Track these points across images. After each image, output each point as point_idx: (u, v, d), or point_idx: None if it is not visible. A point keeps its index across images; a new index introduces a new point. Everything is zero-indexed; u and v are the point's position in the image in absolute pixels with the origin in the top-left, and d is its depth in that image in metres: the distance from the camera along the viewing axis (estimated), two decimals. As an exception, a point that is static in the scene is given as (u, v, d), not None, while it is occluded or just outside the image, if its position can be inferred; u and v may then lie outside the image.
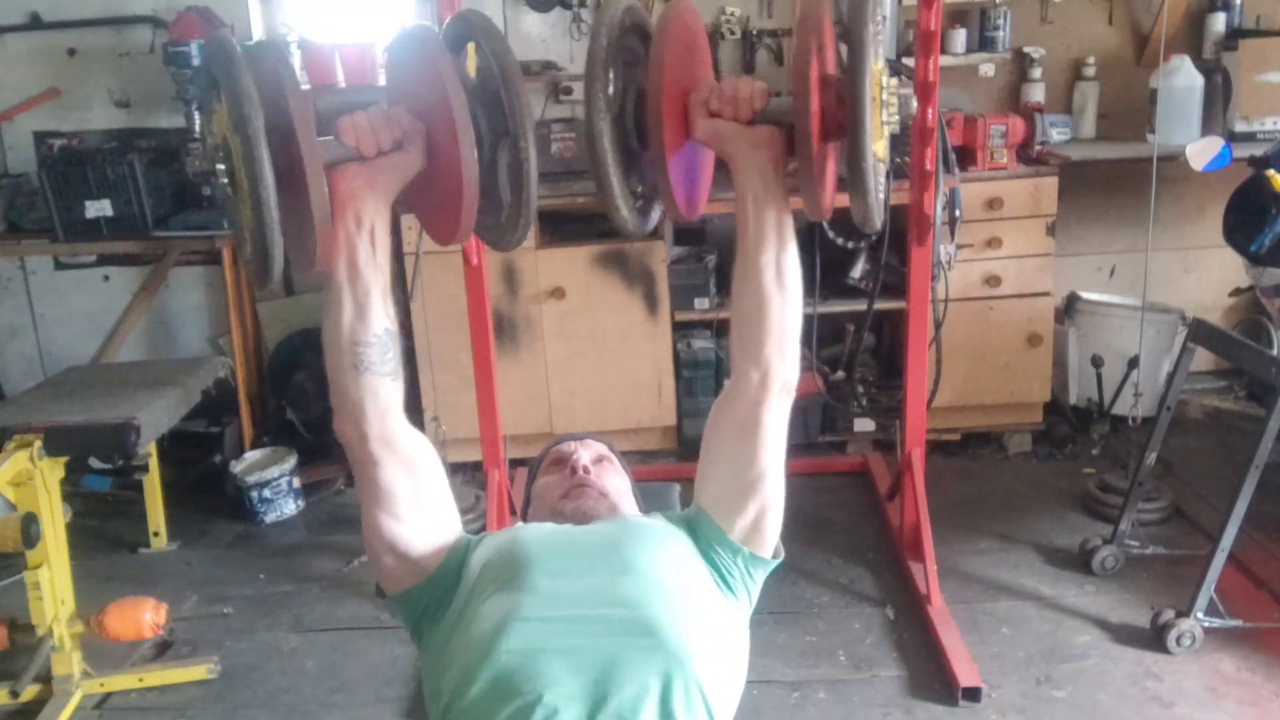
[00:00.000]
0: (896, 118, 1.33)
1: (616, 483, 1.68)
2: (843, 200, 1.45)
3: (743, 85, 1.36)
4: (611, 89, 1.35)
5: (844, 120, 1.29)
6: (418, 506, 1.39)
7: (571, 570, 1.38)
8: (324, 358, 1.33)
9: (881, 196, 1.35)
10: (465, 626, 1.35)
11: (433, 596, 1.43)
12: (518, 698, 1.23)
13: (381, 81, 3.97)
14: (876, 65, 1.28)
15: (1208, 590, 2.62)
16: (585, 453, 1.69)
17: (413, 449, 1.38)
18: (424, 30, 1.31)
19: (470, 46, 1.44)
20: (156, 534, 3.51)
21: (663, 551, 1.42)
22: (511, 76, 1.30)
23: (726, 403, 1.44)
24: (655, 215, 1.49)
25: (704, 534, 1.46)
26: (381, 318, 1.30)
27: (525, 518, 1.73)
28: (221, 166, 1.23)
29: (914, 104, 1.30)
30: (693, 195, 1.45)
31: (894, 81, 1.31)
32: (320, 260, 1.27)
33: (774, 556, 1.48)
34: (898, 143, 3.36)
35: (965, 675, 2.56)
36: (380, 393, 1.31)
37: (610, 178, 1.34)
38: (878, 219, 1.34)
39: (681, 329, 3.81)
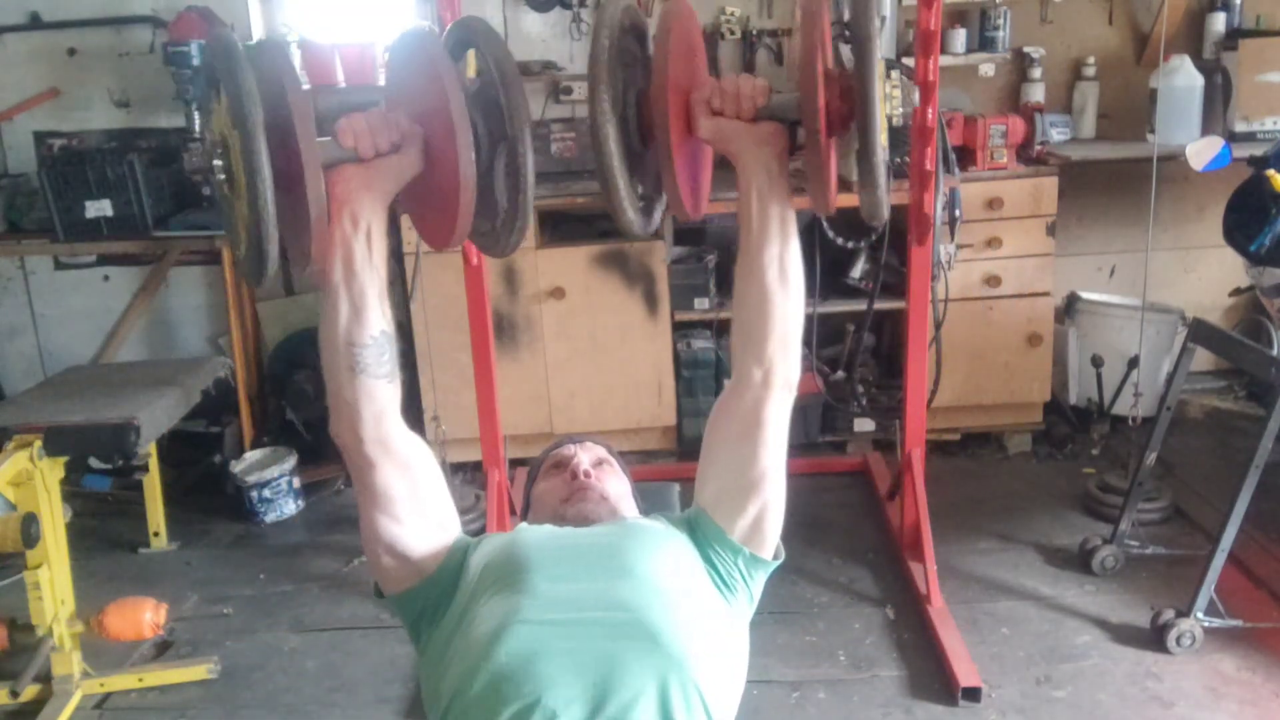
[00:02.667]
0: (900, 110, 1.33)
1: (617, 486, 1.68)
2: (844, 200, 1.44)
3: (744, 82, 1.36)
4: (615, 90, 1.35)
5: (849, 114, 1.29)
6: (415, 508, 1.39)
7: (571, 574, 1.38)
8: (320, 358, 1.32)
9: (888, 188, 1.35)
10: (465, 629, 1.35)
11: (431, 597, 1.43)
12: (517, 700, 1.23)
13: (381, 81, 3.98)
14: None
15: (1208, 590, 2.62)
16: (585, 456, 1.69)
17: (409, 451, 1.37)
18: (424, 33, 1.31)
19: (470, 52, 1.44)
20: (156, 534, 3.51)
21: (662, 554, 1.42)
22: (511, 81, 1.30)
23: (728, 401, 1.43)
24: (659, 215, 1.49)
25: (704, 534, 1.46)
26: (378, 319, 1.30)
27: (525, 520, 1.73)
28: (219, 163, 1.24)
29: (916, 96, 1.32)
30: (696, 193, 1.45)
31: (895, 74, 1.31)
32: (316, 259, 1.27)
33: (774, 558, 1.48)
34: (898, 141, 3.37)
35: (965, 675, 2.56)
36: (376, 395, 1.31)
37: (616, 179, 1.34)
38: (885, 210, 1.34)
39: (681, 329, 3.81)
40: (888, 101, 1.29)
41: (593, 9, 4.06)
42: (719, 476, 1.46)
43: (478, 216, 1.36)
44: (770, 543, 1.47)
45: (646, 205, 1.44)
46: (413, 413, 3.74)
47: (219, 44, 1.22)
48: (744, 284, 1.40)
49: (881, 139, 1.28)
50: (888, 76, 1.29)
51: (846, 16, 3.77)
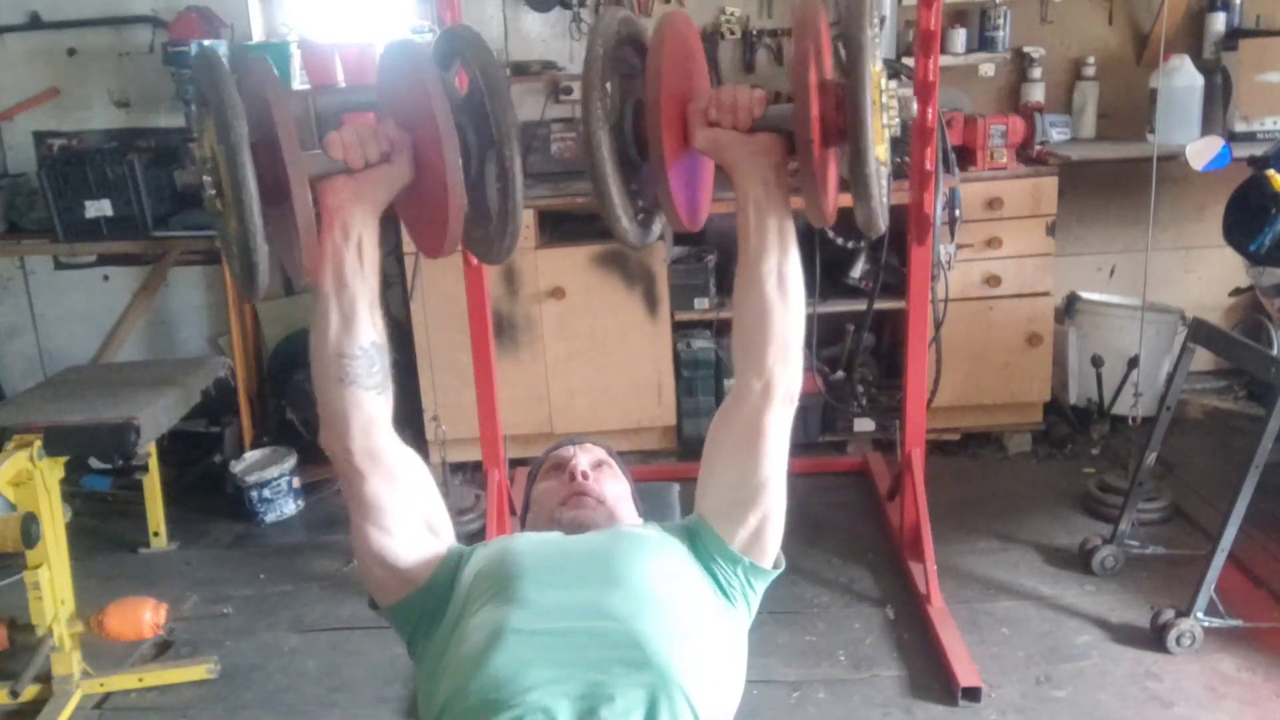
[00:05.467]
0: (897, 120, 1.31)
1: (615, 489, 1.67)
2: (844, 201, 1.45)
3: (741, 93, 1.35)
4: (610, 100, 1.34)
5: (844, 125, 1.28)
6: (405, 520, 1.39)
7: (561, 581, 1.37)
8: (311, 368, 1.32)
9: (885, 200, 1.34)
10: (458, 639, 1.34)
11: (425, 608, 1.42)
12: (506, 710, 1.23)
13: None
14: (875, 68, 1.27)
15: (1208, 590, 2.62)
16: (584, 458, 1.69)
17: (399, 463, 1.37)
18: (411, 44, 1.32)
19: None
20: (156, 534, 3.51)
21: (656, 563, 1.41)
22: (496, 88, 1.30)
23: (728, 412, 1.43)
24: (658, 226, 1.49)
25: (704, 544, 1.45)
26: (369, 330, 1.30)
27: (524, 522, 1.73)
28: (209, 179, 1.24)
29: (914, 105, 1.30)
30: (694, 205, 1.45)
31: (893, 84, 1.29)
32: (307, 271, 1.28)
33: (775, 567, 1.48)
34: (897, 143, 3.37)
35: (965, 675, 2.56)
36: (365, 406, 1.30)
37: (610, 190, 1.34)
38: (882, 223, 1.33)
39: (681, 329, 3.81)
40: (884, 111, 1.28)
41: (592, 9, 4.06)
42: (719, 487, 1.45)
43: (470, 223, 1.36)
44: (770, 553, 1.46)
45: (645, 216, 1.44)
46: (413, 413, 3.74)
47: (204, 60, 1.23)
48: (743, 295, 1.39)
49: (877, 151, 1.27)
50: (885, 85, 1.27)
51: (846, 17, 3.80)
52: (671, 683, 1.26)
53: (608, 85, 1.34)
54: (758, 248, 1.36)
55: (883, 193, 1.32)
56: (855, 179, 1.28)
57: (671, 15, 1.39)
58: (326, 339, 1.29)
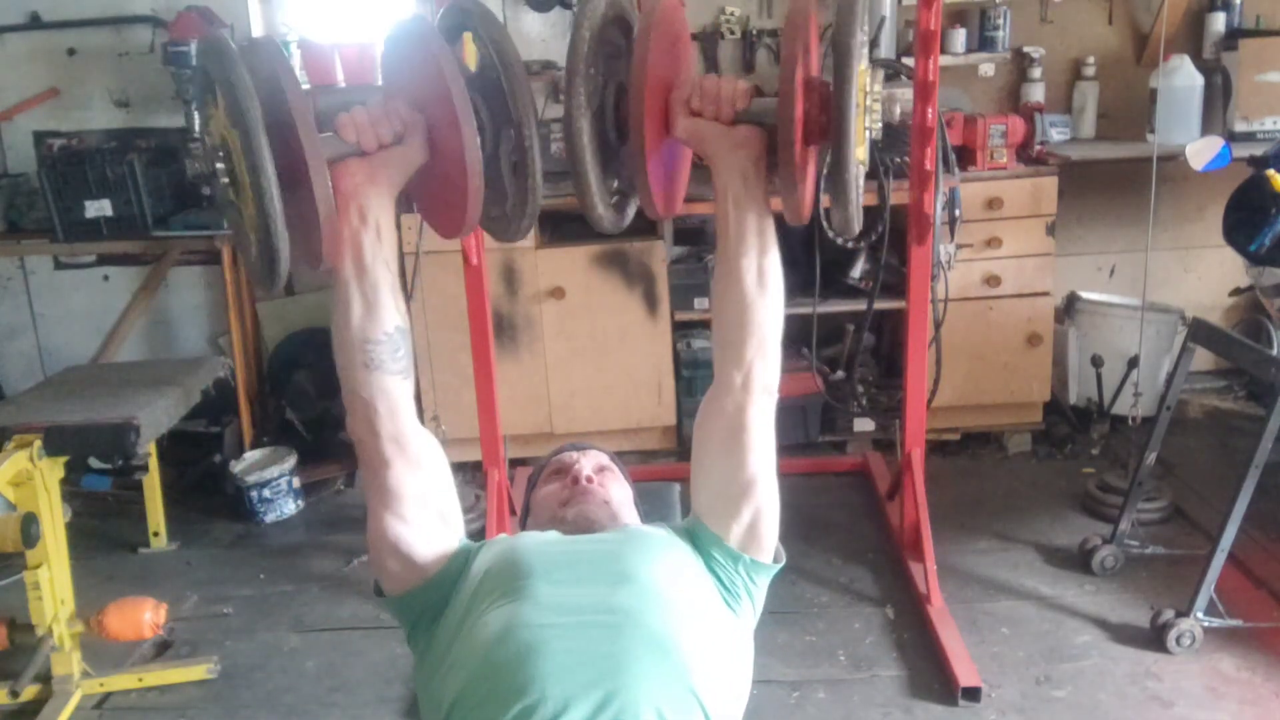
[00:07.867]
0: (879, 123, 1.30)
1: (618, 492, 1.67)
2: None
3: (725, 84, 1.33)
4: (593, 83, 1.32)
5: (827, 126, 1.27)
6: (424, 509, 1.38)
7: (572, 578, 1.37)
8: (334, 356, 1.30)
9: (860, 202, 1.33)
10: (466, 635, 1.34)
11: (430, 600, 1.42)
12: (518, 702, 1.23)
13: (381, 80, 3.98)
14: (861, 69, 1.25)
15: (1207, 590, 2.62)
16: (587, 462, 1.68)
17: (422, 449, 1.36)
18: (420, 21, 1.28)
19: (467, 36, 1.42)
20: (156, 534, 3.51)
21: (664, 562, 1.41)
22: (511, 64, 1.27)
23: (711, 408, 1.42)
24: (631, 211, 1.47)
25: (703, 543, 1.45)
26: (392, 314, 1.29)
27: (524, 526, 1.72)
28: (221, 165, 1.20)
29: (897, 109, 1.29)
30: (671, 193, 1.43)
31: (878, 87, 1.28)
32: (327, 258, 1.24)
33: (775, 561, 1.47)
34: (897, 142, 3.38)
35: (965, 675, 2.56)
36: (391, 392, 1.30)
37: (588, 174, 1.32)
38: (857, 225, 1.32)
39: (681, 329, 3.81)
40: (867, 114, 1.26)
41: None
42: (709, 484, 1.45)
43: (486, 203, 1.33)
44: (767, 547, 1.46)
45: (620, 201, 1.42)
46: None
47: (212, 45, 1.19)
48: (722, 289, 1.37)
49: (858, 153, 1.25)
50: (870, 88, 1.26)
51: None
52: (682, 677, 1.26)
53: (591, 70, 1.32)
54: (737, 243, 1.34)
55: (860, 195, 1.31)
56: (834, 183, 1.27)
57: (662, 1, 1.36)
58: (350, 325, 1.27)
